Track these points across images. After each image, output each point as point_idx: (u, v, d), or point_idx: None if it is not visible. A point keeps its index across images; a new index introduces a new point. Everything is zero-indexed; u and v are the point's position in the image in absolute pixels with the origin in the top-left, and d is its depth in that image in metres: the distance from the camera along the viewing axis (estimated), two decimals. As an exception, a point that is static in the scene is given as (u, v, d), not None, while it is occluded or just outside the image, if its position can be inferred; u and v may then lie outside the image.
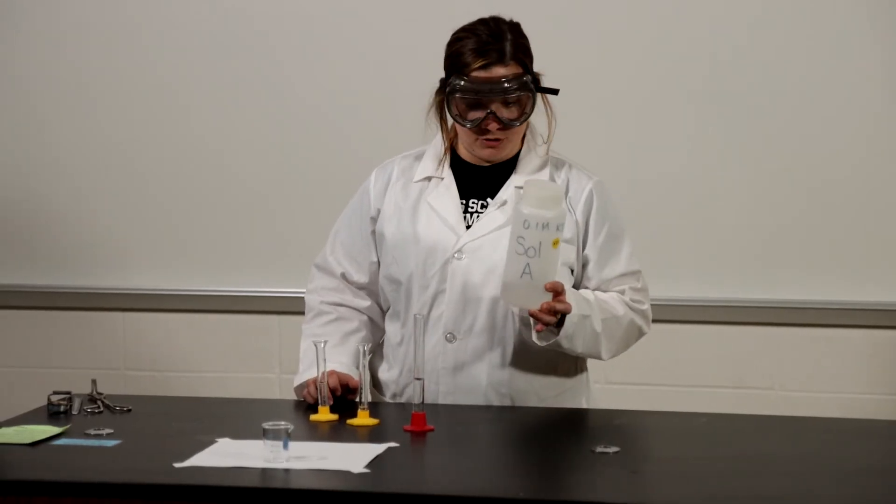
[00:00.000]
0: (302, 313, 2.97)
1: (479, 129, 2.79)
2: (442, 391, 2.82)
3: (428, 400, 2.74)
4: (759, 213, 3.94)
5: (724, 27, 3.92)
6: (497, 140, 2.80)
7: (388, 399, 2.91)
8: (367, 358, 2.68)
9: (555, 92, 2.82)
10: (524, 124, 2.81)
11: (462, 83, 2.76)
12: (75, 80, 4.20)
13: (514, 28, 2.81)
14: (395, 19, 4.06)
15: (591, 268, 2.85)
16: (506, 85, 2.74)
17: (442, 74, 2.84)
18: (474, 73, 2.76)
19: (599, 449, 2.38)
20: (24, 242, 4.26)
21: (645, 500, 2.16)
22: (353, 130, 4.09)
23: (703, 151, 3.95)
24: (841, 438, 2.51)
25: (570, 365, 2.87)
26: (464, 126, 2.79)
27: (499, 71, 2.75)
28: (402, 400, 2.88)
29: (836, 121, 3.90)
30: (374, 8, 4.08)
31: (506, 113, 2.77)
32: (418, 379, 2.59)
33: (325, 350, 2.71)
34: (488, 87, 2.75)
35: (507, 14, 2.84)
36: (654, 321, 2.93)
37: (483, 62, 2.75)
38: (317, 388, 2.71)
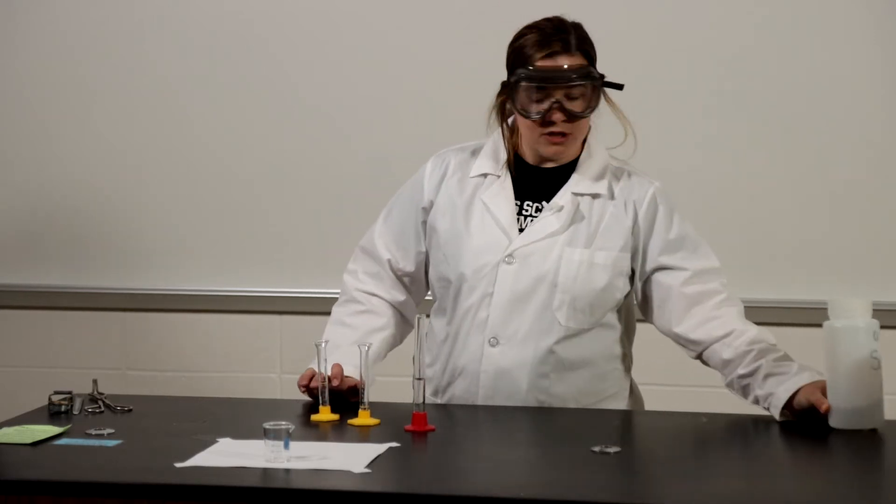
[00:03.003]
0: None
1: (544, 123, 2.76)
2: (482, 394, 2.80)
3: (466, 402, 2.78)
4: (760, 213, 3.95)
5: (728, 27, 3.93)
6: (562, 135, 2.77)
7: (429, 395, 2.86)
8: (368, 357, 2.66)
9: (619, 87, 2.80)
10: (587, 122, 2.79)
11: (526, 73, 2.74)
12: (76, 80, 4.20)
13: (577, 26, 2.81)
14: (395, 19, 4.06)
15: (666, 269, 2.80)
16: (571, 74, 2.73)
17: (498, 76, 2.83)
18: (539, 63, 2.74)
19: (599, 449, 2.38)
20: (25, 242, 4.26)
21: (645, 500, 2.17)
22: (353, 131, 4.09)
23: (703, 151, 3.96)
24: (841, 438, 2.51)
25: (617, 376, 2.86)
26: (529, 118, 2.76)
27: (563, 60, 2.74)
28: (444, 399, 2.85)
29: (839, 122, 3.90)
30: (374, 8, 4.08)
31: (571, 104, 2.75)
32: (419, 379, 2.58)
33: (342, 345, 2.73)
34: (553, 74, 2.73)
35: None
36: (654, 321, 2.94)
37: (548, 51, 2.74)
38: (311, 381, 2.71)
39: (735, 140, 3.95)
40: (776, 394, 2.62)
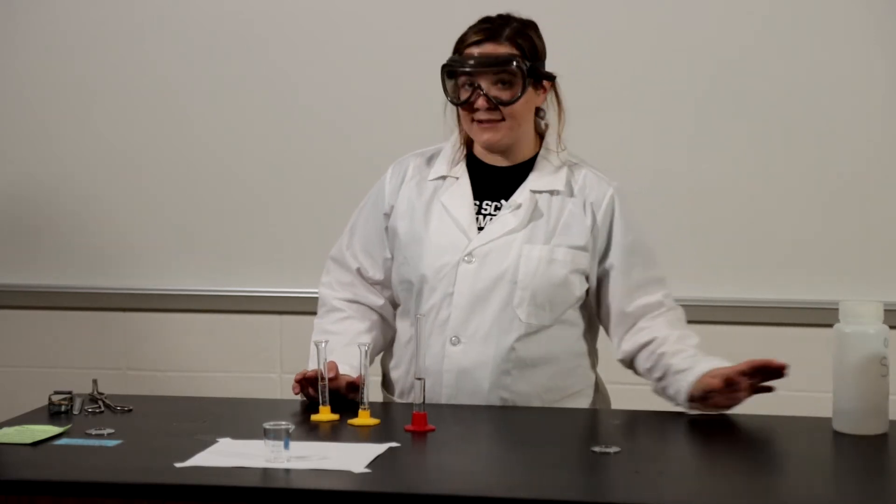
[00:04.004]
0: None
1: (471, 108, 2.79)
2: (445, 393, 2.81)
3: (430, 401, 2.75)
4: (760, 213, 3.95)
5: (728, 27, 3.93)
6: (492, 122, 2.79)
7: (395, 397, 2.91)
8: (368, 357, 2.67)
9: (552, 78, 2.82)
10: (522, 109, 2.79)
11: (450, 60, 2.79)
12: (77, 80, 4.21)
13: (525, 22, 2.82)
14: (395, 19, 4.07)
15: (615, 274, 2.83)
16: (492, 60, 2.75)
17: None
18: (467, 50, 2.78)
19: (599, 449, 2.38)
20: (25, 242, 4.27)
21: (645, 500, 2.16)
22: (353, 131, 4.10)
23: (703, 151, 3.96)
24: (841, 438, 2.51)
25: (581, 372, 2.87)
26: (455, 104, 2.80)
27: (489, 48, 2.77)
28: (409, 399, 2.87)
29: (839, 122, 3.91)
30: (374, 8, 4.08)
31: (495, 92, 2.77)
32: (419, 379, 2.59)
33: (335, 350, 2.72)
34: (475, 60, 2.76)
35: (511, 11, 2.84)
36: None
37: (476, 38, 2.78)
38: (305, 380, 2.72)
39: (735, 140, 3.95)
40: (680, 391, 2.71)
